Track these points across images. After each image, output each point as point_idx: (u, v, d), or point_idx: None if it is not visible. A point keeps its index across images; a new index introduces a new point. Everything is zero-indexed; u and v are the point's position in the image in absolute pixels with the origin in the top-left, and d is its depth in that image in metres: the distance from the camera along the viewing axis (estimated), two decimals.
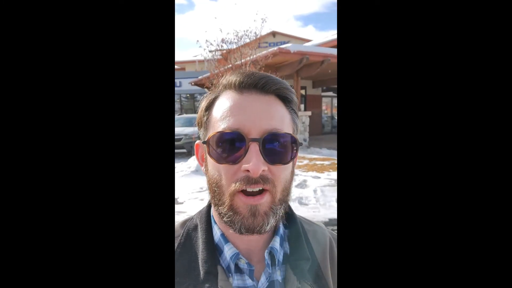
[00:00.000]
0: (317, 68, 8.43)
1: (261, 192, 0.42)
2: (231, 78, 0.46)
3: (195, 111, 12.46)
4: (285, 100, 0.46)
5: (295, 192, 4.54)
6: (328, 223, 3.48)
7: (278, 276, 0.47)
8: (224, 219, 0.44)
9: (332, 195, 4.37)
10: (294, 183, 4.90)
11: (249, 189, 0.41)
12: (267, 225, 0.43)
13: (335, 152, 8.34)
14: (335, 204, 4.02)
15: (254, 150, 0.40)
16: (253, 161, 0.40)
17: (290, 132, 0.45)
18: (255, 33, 7.44)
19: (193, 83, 12.82)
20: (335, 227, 3.36)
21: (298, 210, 3.84)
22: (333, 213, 3.73)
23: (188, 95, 17.28)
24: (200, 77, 10.90)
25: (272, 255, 0.47)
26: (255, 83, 0.44)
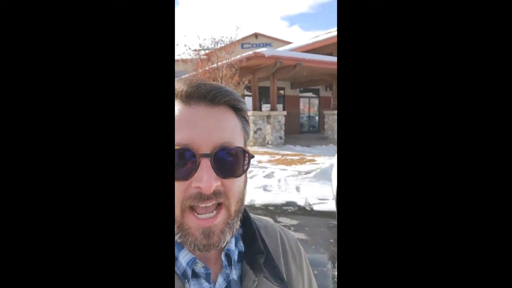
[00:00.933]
0: (291, 71, 9.12)
1: (215, 208, 0.42)
2: (177, 87, 0.44)
3: None
4: (236, 109, 0.46)
5: (262, 181, 5.17)
6: (285, 204, 4.13)
7: (234, 275, 0.47)
8: (176, 237, 0.43)
9: (293, 183, 5.02)
10: (263, 174, 5.53)
11: (201, 205, 0.41)
12: (224, 242, 0.43)
13: (307, 149, 9.05)
14: (293, 190, 4.69)
15: (205, 166, 0.40)
16: (205, 178, 0.39)
17: (241, 142, 0.46)
18: (231, 37, 8.04)
19: None
20: (290, 207, 4.00)
21: (263, 195, 4.48)
22: (290, 198, 4.38)
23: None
24: (182, 77, 11.38)
25: (228, 256, 0.48)
26: (204, 95, 0.43)
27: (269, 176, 5.54)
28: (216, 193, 0.41)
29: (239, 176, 0.44)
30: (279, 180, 5.19)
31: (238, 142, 0.44)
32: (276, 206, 4.10)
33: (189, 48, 7.92)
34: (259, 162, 6.89)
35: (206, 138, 0.41)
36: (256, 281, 0.46)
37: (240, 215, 0.46)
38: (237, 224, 0.45)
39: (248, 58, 8.29)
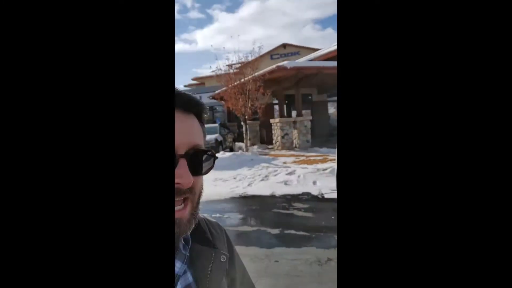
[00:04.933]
0: (313, 80, 9.89)
1: (183, 201, 0.48)
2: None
3: (213, 121, 14.56)
4: (200, 117, 0.53)
5: (284, 177, 6.01)
6: (301, 194, 4.94)
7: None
8: None
9: (311, 178, 5.79)
10: (286, 172, 6.39)
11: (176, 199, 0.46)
12: (190, 230, 0.49)
13: (332, 150, 9.64)
14: (310, 184, 5.46)
15: (183, 164, 0.46)
16: (185, 175, 0.46)
17: (203, 144, 0.53)
18: (255, 53, 9.29)
19: (211, 97, 14.89)
20: (305, 196, 4.80)
21: (283, 188, 5.33)
22: (306, 189, 5.17)
23: (208, 107, 19.28)
24: (217, 91, 12.84)
25: (187, 240, 0.54)
26: (180, 103, 0.48)
27: (291, 173, 6.36)
28: (189, 189, 0.47)
29: (205, 174, 0.52)
30: (298, 176, 5.99)
31: (203, 145, 0.53)
32: (293, 195, 4.92)
33: (219, 69, 9.33)
34: (284, 163, 7.73)
35: (182, 141, 0.47)
36: (213, 253, 0.56)
37: (199, 206, 0.53)
38: (197, 214, 0.52)
39: (271, 72, 9.29)
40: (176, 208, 0.46)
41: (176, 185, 0.45)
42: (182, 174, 0.45)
